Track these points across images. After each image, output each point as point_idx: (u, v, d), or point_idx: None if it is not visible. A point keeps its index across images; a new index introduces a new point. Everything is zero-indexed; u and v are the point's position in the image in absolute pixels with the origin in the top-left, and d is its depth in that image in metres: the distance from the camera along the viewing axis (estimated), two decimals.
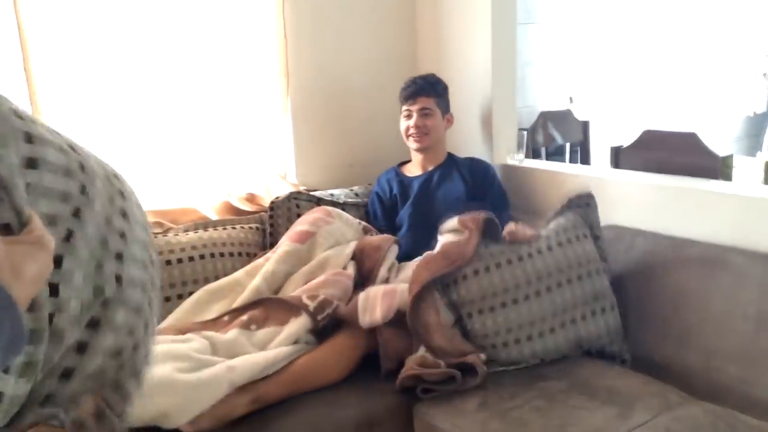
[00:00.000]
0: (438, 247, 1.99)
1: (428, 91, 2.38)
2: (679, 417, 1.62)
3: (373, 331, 1.86)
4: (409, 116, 2.40)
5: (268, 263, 2.07)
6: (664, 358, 1.93)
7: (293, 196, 2.34)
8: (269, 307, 1.93)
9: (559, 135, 3.69)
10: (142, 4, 2.19)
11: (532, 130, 3.58)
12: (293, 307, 1.88)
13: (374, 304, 1.88)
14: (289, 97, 2.49)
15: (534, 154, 3.55)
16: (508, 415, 1.68)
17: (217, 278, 2.11)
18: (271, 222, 2.29)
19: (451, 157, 2.50)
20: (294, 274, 2.06)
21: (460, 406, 1.75)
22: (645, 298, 2.04)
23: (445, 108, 2.43)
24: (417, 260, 2.02)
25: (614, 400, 1.71)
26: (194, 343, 1.75)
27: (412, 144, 2.42)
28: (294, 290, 1.99)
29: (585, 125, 3.65)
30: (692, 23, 4.48)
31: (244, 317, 1.89)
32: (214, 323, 1.91)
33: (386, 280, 2.08)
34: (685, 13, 4.44)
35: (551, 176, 2.51)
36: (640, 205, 2.19)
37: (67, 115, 2.08)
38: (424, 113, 2.37)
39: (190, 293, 2.06)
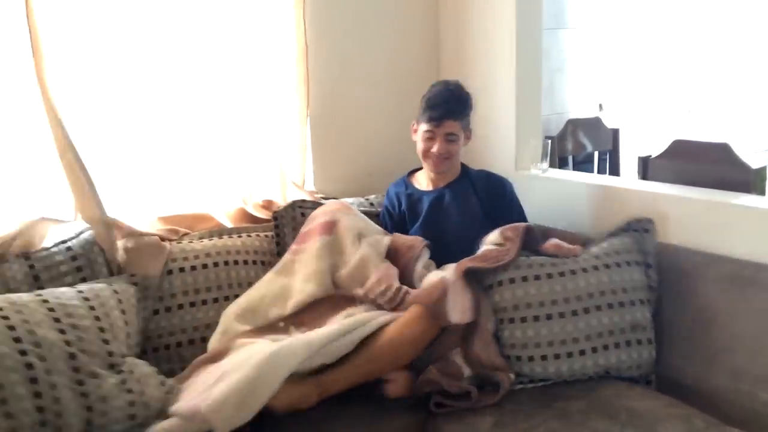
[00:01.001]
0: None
1: (456, 114, 2.14)
2: None
3: None
4: (431, 139, 2.16)
5: (306, 264, 2.04)
6: (690, 379, 1.85)
7: (297, 204, 2.28)
8: (324, 305, 1.97)
9: (589, 143, 3.61)
10: (162, 10, 2.18)
11: (561, 138, 3.51)
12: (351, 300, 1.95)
13: (464, 302, 1.81)
14: (309, 105, 2.45)
15: (561, 162, 3.47)
16: None
17: (230, 286, 2.09)
18: (276, 232, 2.26)
19: (465, 170, 2.31)
20: (338, 268, 2.06)
21: (473, 424, 1.69)
22: (672, 315, 1.95)
23: (467, 127, 2.21)
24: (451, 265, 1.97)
25: (635, 423, 1.63)
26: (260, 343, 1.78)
27: (429, 167, 2.22)
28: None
29: (615, 133, 3.56)
30: (726, 31, 4.35)
31: (298, 320, 1.93)
32: (270, 328, 1.91)
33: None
34: (719, 21, 4.31)
35: (576, 187, 2.44)
36: (669, 218, 2.10)
37: (86, 120, 2.08)
38: (449, 139, 2.15)
39: (203, 301, 2.04)
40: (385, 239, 2.14)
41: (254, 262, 2.19)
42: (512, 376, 1.82)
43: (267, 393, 1.56)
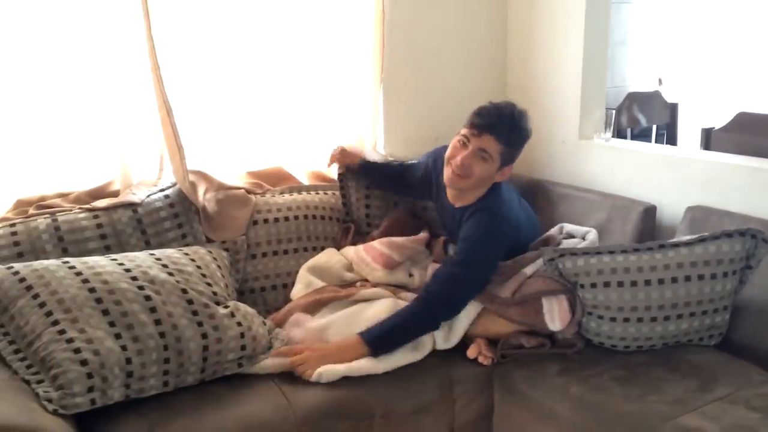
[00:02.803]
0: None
1: (501, 133, 1.88)
2: (761, 393, 1.64)
3: None
4: (464, 145, 1.91)
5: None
6: (747, 339, 1.90)
7: None
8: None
9: (643, 117, 3.65)
10: None
11: (618, 112, 3.55)
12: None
13: (560, 311, 1.85)
14: (383, 71, 2.57)
15: (618, 135, 3.52)
16: (588, 381, 1.74)
17: (308, 238, 2.27)
18: (342, 192, 2.40)
19: (483, 205, 1.98)
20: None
21: (540, 370, 1.82)
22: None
23: (509, 159, 1.95)
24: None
25: (695, 374, 1.74)
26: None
27: (446, 173, 1.97)
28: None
29: (673, 108, 3.59)
30: None
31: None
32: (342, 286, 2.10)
33: None
34: None
35: (638, 156, 2.51)
36: (730, 187, 2.17)
37: (187, 83, 2.26)
38: (480, 155, 1.89)
39: (285, 251, 2.23)
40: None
41: (330, 218, 2.35)
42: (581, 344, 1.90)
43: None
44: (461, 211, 2.01)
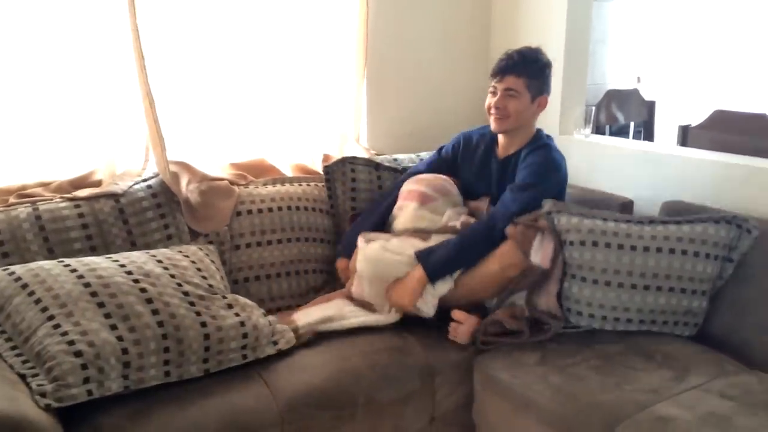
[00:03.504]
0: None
1: (519, 70, 2.09)
2: (734, 383, 1.69)
3: None
4: (494, 93, 2.14)
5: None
6: (721, 331, 1.95)
7: (348, 161, 2.41)
8: None
9: (621, 115, 3.70)
10: None
11: (597, 108, 3.60)
12: None
13: (547, 249, 1.95)
14: (367, 64, 2.58)
15: (597, 132, 3.57)
16: (566, 370, 1.77)
17: (292, 229, 2.27)
18: (328, 185, 2.40)
19: (536, 140, 2.18)
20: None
21: (520, 359, 1.85)
22: None
23: (537, 90, 2.12)
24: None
25: (670, 364, 1.78)
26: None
27: (491, 124, 2.18)
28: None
29: (651, 105, 3.65)
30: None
31: None
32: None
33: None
34: None
35: (615, 152, 2.56)
36: (706, 182, 2.22)
37: (171, 74, 2.25)
38: (508, 94, 2.10)
39: (269, 242, 2.23)
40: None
41: (313, 209, 2.36)
42: (560, 326, 1.95)
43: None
44: (511, 159, 2.18)
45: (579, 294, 1.94)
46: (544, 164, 2.10)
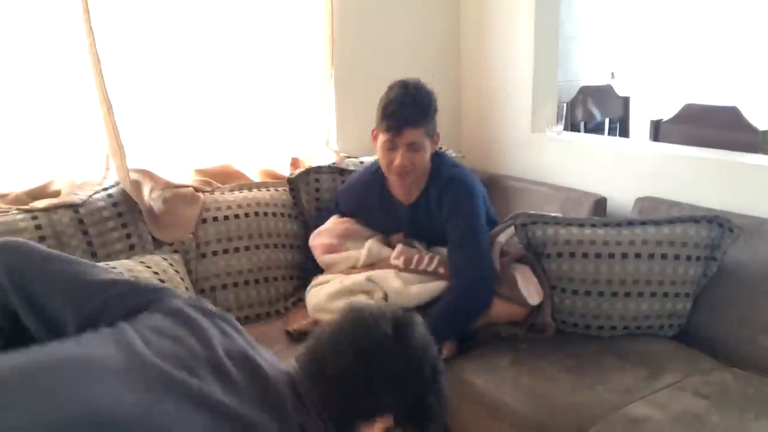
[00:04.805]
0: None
1: (418, 121, 1.89)
2: (709, 381, 1.66)
3: None
4: (392, 149, 1.91)
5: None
6: (695, 327, 1.93)
7: (313, 171, 2.36)
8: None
9: (598, 111, 3.69)
10: None
11: (572, 105, 3.59)
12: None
13: (530, 287, 1.90)
14: (333, 65, 2.54)
15: (572, 129, 3.56)
16: (538, 372, 1.74)
17: (260, 236, 2.21)
18: (292, 195, 2.35)
19: (434, 175, 2.02)
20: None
21: (492, 361, 1.82)
22: None
23: (433, 130, 1.96)
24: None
25: (645, 363, 1.75)
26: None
27: (392, 181, 2.03)
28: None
29: (625, 101, 3.64)
30: None
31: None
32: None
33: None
34: None
35: (587, 149, 2.54)
36: (678, 177, 2.20)
37: (133, 82, 2.19)
38: (412, 149, 1.90)
39: (236, 249, 2.17)
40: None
41: (281, 215, 2.31)
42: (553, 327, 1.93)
43: None
44: (420, 203, 2.04)
45: (560, 304, 1.91)
46: (462, 199, 1.96)
